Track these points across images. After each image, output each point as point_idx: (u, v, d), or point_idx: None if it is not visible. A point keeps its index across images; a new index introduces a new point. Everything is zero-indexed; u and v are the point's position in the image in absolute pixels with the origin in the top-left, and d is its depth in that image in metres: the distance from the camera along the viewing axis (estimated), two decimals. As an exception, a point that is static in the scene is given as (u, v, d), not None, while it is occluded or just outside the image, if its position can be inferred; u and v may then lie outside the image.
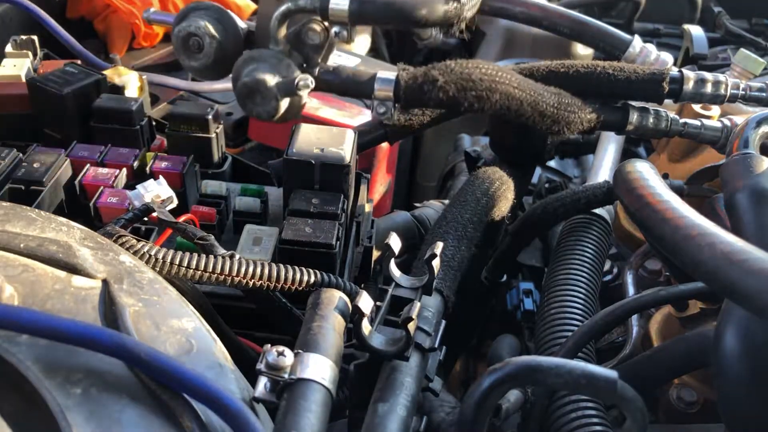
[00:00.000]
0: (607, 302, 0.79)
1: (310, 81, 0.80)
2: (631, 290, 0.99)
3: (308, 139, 0.80)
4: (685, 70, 0.89)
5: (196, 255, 0.63)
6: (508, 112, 0.84)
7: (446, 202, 1.01)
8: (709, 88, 0.88)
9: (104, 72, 0.98)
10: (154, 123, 0.97)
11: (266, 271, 0.65)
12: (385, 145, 1.13)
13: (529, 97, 0.83)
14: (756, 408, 0.57)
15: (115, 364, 0.48)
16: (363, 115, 1.07)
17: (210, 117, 0.91)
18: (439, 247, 0.64)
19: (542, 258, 1.20)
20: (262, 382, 0.51)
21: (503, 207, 0.89)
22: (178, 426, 0.46)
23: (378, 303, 0.61)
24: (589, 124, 0.89)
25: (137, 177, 0.83)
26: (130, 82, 1.02)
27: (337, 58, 1.34)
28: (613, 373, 0.50)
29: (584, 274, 0.86)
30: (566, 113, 0.86)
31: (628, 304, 0.78)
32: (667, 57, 1.06)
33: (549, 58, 0.94)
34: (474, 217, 0.82)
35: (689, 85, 0.88)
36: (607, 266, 1.10)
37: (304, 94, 0.80)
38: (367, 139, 0.97)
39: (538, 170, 1.34)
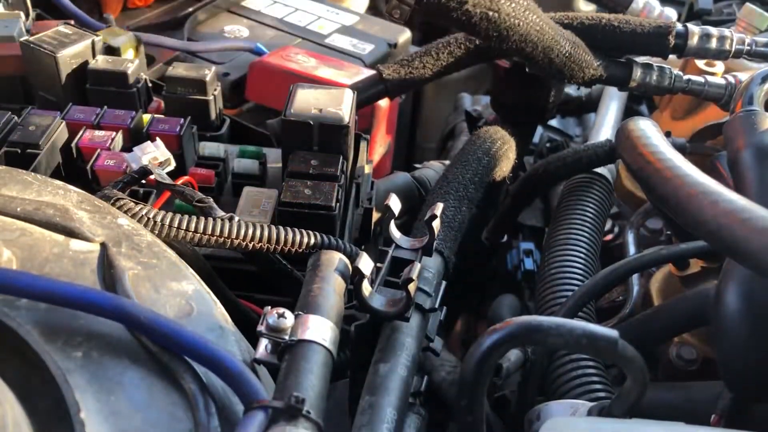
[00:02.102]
0: (608, 261, 0.79)
1: None
2: (632, 249, 0.99)
3: (306, 100, 0.79)
4: (689, 25, 0.87)
5: (195, 217, 0.63)
6: (518, 54, 0.83)
7: (447, 162, 1.00)
8: (713, 44, 0.87)
9: (99, 33, 0.96)
10: (150, 85, 0.96)
11: (266, 233, 0.64)
12: (384, 105, 1.12)
13: (544, 43, 0.82)
14: (755, 366, 0.57)
15: (115, 327, 0.48)
16: (362, 75, 1.05)
17: (207, 78, 0.90)
18: (439, 207, 0.63)
19: (543, 218, 1.20)
20: (263, 344, 0.51)
21: (505, 167, 0.88)
22: (180, 388, 0.46)
23: (378, 264, 0.61)
24: (590, 78, 0.88)
25: (134, 139, 0.83)
26: (125, 42, 1.00)
27: (335, 16, 1.32)
28: (613, 332, 0.50)
29: (585, 234, 0.86)
30: (574, 66, 0.85)
31: (629, 263, 0.78)
32: (671, 12, 1.04)
33: (550, 11, 0.92)
34: (475, 177, 0.82)
35: (693, 40, 0.86)
36: (608, 225, 1.10)
37: None
38: (366, 95, 0.96)
39: (539, 129, 1.32)
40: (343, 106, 0.79)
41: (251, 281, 0.74)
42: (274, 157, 0.89)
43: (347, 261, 0.61)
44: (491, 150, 0.86)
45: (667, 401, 0.70)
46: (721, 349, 0.60)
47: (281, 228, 0.65)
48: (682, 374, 0.80)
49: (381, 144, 1.10)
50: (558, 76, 0.86)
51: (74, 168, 0.80)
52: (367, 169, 0.94)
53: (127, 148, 0.80)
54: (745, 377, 0.59)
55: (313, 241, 0.66)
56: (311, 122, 0.77)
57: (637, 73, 0.89)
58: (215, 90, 0.92)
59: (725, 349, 0.59)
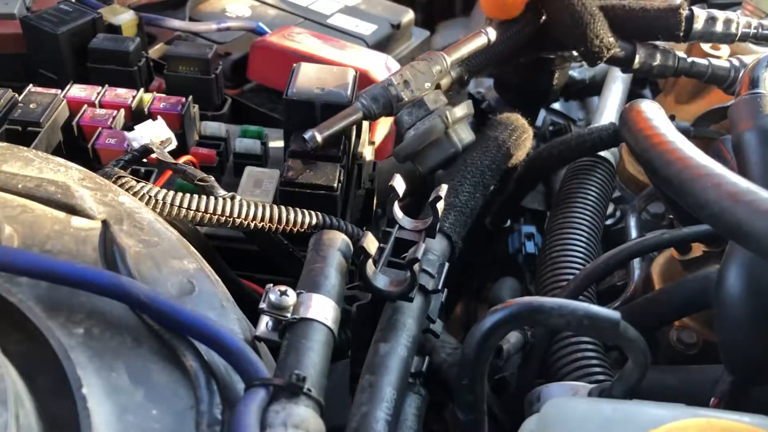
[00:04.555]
0: (610, 245, 0.79)
1: None
2: (633, 233, 0.99)
3: (309, 79, 0.79)
4: (695, 8, 0.86)
5: (196, 196, 0.63)
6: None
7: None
8: (719, 27, 0.86)
9: (100, 11, 0.96)
10: (152, 63, 0.96)
11: (267, 212, 0.64)
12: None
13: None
14: (757, 350, 0.57)
15: (116, 305, 0.48)
16: (363, 55, 1.05)
17: (209, 57, 0.89)
18: (443, 189, 0.63)
19: (545, 201, 1.20)
20: (264, 321, 0.51)
21: (521, 155, 0.88)
22: (181, 365, 0.46)
23: (381, 245, 0.60)
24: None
25: (135, 118, 0.82)
26: (126, 21, 0.99)
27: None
28: (615, 314, 0.50)
29: (587, 218, 0.85)
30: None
31: (631, 247, 0.77)
32: (677, -5, 1.03)
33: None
34: (493, 165, 0.81)
35: (699, 24, 0.86)
36: (610, 209, 1.09)
37: None
38: None
39: (542, 113, 1.32)
40: (345, 85, 0.79)
41: (253, 261, 0.74)
42: (275, 137, 0.88)
43: (349, 241, 0.61)
44: (511, 137, 0.85)
45: (667, 384, 0.70)
46: (723, 333, 0.60)
47: (283, 207, 0.65)
48: (682, 358, 0.80)
49: (383, 125, 1.09)
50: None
51: (75, 146, 0.80)
52: (369, 150, 0.94)
53: (128, 126, 0.80)
54: (746, 360, 0.59)
55: (314, 221, 0.66)
56: (314, 101, 0.77)
57: (641, 54, 0.89)
58: (216, 69, 0.91)
59: (727, 332, 0.59)
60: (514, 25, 0.89)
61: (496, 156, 0.82)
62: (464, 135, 0.82)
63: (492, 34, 0.86)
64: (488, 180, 0.80)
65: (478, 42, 0.85)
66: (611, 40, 0.85)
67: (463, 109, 0.81)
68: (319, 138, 0.74)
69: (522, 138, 0.86)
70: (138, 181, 0.62)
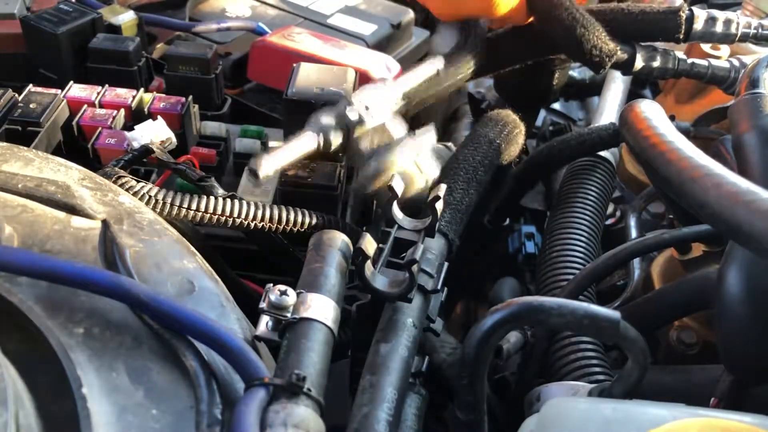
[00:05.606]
0: (610, 245, 0.79)
1: None
2: (633, 233, 0.99)
3: (308, 79, 0.79)
4: (695, 9, 0.87)
5: (196, 196, 0.63)
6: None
7: (449, 144, 0.99)
8: (719, 27, 0.86)
9: (100, 11, 0.96)
10: (152, 63, 0.96)
11: (267, 212, 0.64)
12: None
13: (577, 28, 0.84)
14: (757, 349, 0.58)
15: (116, 304, 0.48)
16: (363, 55, 1.05)
17: (209, 57, 0.89)
18: (442, 189, 0.63)
19: (545, 201, 1.20)
20: (264, 321, 0.51)
21: (513, 151, 0.88)
22: (181, 365, 0.46)
23: (380, 245, 0.60)
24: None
25: (135, 118, 0.82)
26: (126, 21, 0.99)
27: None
28: (615, 314, 0.50)
29: (587, 217, 0.85)
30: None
31: (631, 247, 0.77)
32: (677, -5, 1.03)
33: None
34: (485, 160, 0.81)
35: (699, 24, 0.86)
36: (610, 209, 1.09)
37: None
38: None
39: (542, 113, 1.32)
40: (345, 85, 0.78)
41: (252, 260, 0.74)
42: (275, 137, 0.88)
43: (348, 241, 0.61)
44: (502, 133, 0.85)
45: (666, 384, 0.70)
46: (723, 332, 0.60)
47: (283, 207, 0.65)
48: (682, 358, 0.81)
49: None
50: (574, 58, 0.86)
51: (75, 146, 0.80)
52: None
53: (128, 126, 0.80)
54: (746, 360, 0.59)
55: (314, 220, 0.66)
56: (313, 101, 0.77)
57: (641, 57, 0.89)
58: (216, 69, 0.91)
59: (726, 332, 0.59)
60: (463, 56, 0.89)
61: (488, 152, 0.82)
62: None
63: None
64: (481, 176, 0.80)
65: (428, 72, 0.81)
66: (611, 47, 0.85)
67: (422, 142, 0.73)
68: (261, 174, 0.61)
69: (513, 133, 0.86)
70: (138, 181, 0.62)
